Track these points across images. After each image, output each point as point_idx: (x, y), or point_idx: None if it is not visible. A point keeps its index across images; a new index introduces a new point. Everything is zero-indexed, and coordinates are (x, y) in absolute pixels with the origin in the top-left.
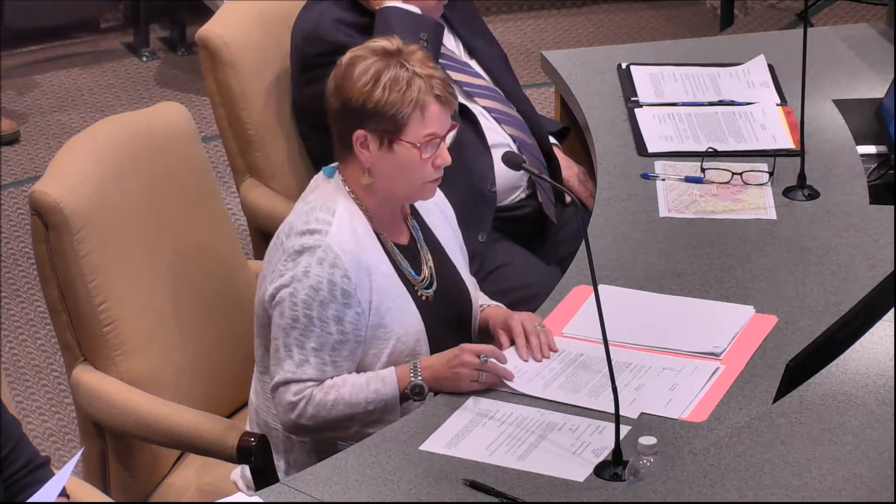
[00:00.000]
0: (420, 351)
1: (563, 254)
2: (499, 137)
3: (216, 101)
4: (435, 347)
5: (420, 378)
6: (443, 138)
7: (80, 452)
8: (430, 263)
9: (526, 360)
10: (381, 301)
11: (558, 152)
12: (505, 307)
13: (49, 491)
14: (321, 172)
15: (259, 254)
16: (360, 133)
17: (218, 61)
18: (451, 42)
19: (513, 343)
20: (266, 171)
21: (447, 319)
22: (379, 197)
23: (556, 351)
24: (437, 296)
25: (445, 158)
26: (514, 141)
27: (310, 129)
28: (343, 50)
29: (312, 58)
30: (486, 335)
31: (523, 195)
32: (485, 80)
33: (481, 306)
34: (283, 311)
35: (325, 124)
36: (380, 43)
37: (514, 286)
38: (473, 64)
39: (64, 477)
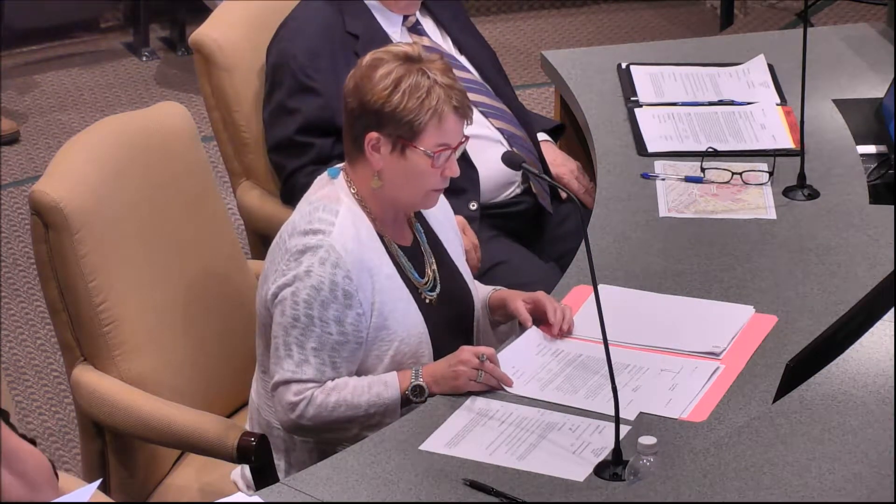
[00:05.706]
0: (423, 353)
1: (560, 251)
2: (487, 132)
3: (211, 104)
4: (437, 350)
5: (421, 379)
6: (454, 150)
7: (97, 483)
8: (434, 266)
9: (556, 335)
10: (383, 303)
11: (554, 148)
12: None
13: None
14: (326, 173)
15: (256, 256)
16: (373, 135)
17: (212, 64)
18: (437, 36)
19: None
20: (262, 173)
21: (450, 322)
22: (383, 201)
23: (571, 332)
24: (441, 299)
25: (454, 170)
26: (503, 133)
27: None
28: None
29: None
30: (500, 319)
31: (518, 190)
32: (472, 75)
33: (494, 288)
34: (284, 309)
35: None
36: (402, 48)
37: (512, 284)
38: (462, 59)
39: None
